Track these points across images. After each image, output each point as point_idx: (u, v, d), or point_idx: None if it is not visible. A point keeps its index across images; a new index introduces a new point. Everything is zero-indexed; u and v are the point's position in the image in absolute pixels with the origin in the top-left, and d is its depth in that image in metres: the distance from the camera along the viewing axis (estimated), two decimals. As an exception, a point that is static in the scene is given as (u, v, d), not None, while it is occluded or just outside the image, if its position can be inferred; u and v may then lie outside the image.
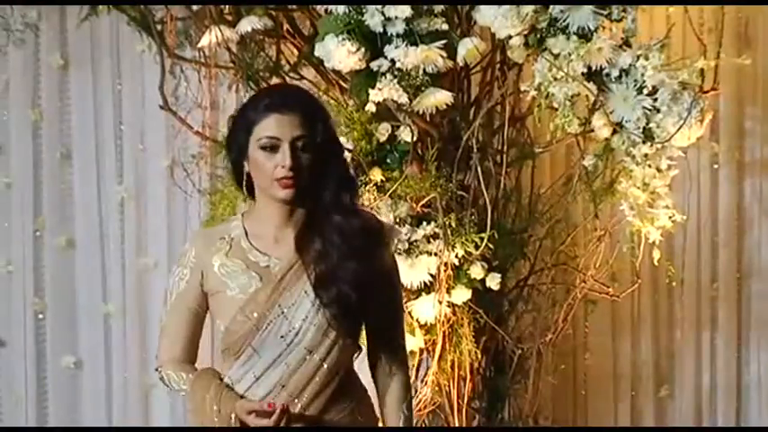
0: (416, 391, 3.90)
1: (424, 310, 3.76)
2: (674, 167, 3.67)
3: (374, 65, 3.50)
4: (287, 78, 4.04)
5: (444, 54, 3.52)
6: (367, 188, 3.70)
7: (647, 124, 3.55)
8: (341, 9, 3.47)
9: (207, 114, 4.46)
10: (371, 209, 3.66)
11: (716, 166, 5.07)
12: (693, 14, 4.36)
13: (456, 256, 3.73)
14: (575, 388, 5.00)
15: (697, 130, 3.61)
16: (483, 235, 3.72)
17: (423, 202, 3.75)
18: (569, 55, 3.47)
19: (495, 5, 3.46)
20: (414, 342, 3.79)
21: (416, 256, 3.71)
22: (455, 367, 3.86)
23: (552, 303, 4.15)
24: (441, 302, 3.74)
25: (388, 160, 3.80)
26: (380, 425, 2.90)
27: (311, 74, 4.06)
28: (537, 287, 4.15)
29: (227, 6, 3.89)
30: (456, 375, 3.87)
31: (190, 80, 4.46)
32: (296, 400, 2.69)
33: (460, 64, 3.67)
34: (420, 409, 3.89)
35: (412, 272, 3.70)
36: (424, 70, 3.50)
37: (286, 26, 3.96)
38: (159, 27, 4.11)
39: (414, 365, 3.90)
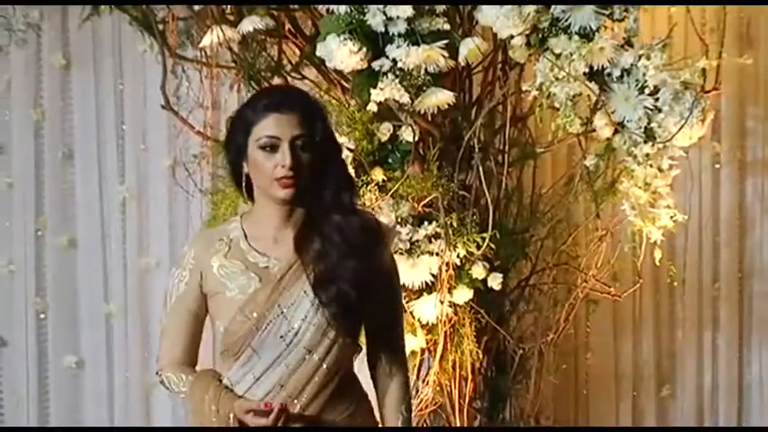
0: (418, 391, 3.90)
1: (425, 309, 3.76)
2: (675, 167, 3.66)
3: (376, 65, 3.50)
4: (288, 78, 4.05)
5: (446, 54, 3.52)
6: (368, 188, 3.70)
7: (649, 124, 3.55)
8: (342, 9, 3.47)
9: (208, 114, 4.45)
10: (373, 209, 3.67)
11: (717, 166, 5.07)
12: (695, 14, 4.37)
13: (457, 256, 3.73)
14: (576, 388, 5.00)
15: (698, 129, 3.61)
16: (484, 235, 3.72)
17: (424, 201, 3.75)
18: (571, 55, 3.47)
19: (497, 5, 3.46)
20: (415, 342, 3.79)
21: (418, 256, 3.71)
22: (456, 367, 3.86)
23: (554, 303, 4.15)
24: (442, 302, 3.74)
25: (390, 160, 3.81)
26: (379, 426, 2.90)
27: (313, 74, 4.06)
28: (538, 287, 4.15)
29: (228, 6, 3.89)
30: (457, 375, 3.87)
31: (191, 80, 4.46)
32: (295, 401, 2.69)
33: (462, 64, 3.67)
34: (421, 409, 3.90)
35: (413, 272, 3.71)
36: (426, 70, 3.50)
37: (288, 26, 3.96)
38: (161, 27, 4.11)
39: (415, 365, 3.90)
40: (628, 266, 4.35)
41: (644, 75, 3.53)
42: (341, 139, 3.65)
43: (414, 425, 3.83)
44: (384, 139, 3.76)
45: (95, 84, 4.90)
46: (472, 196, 3.83)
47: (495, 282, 3.81)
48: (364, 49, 3.46)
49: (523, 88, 3.70)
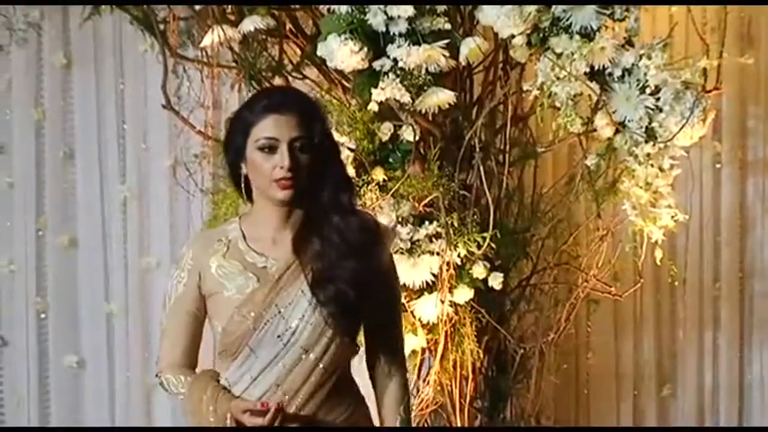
0: (419, 391, 3.90)
1: (426, 309, 3.76)
2: (676, 167, 3.67)
3: (377, 64, 3.50)
4: (289, 78, 4.05)
5: (447, 53, 3.52)
6: (369, 187, 3.70)
7: (650, 124, 3.55)
8: (343, 8, 3.47)
9: (209, 114, 4.45)
10: (373, 208, 3.67)
11: (718, 166, 5.07)
12: (696, 14, 4.36)
13: (458, 256, 3.73)
14: (577, 387, 5.00)
15: (699, 129, 3.61)
16: (485, 234, 3.72)
17: (425, 201, 3.75)
18: (572, 54, 3.47)
19: (498, 5, 3.46)
20: (416, 341, 3.79)
21: (419, 256, 3.71)
22: (457, 367, 3.86)
23: (554, 303, 4.15)
24: (443, 302, 3.74)
25: (391, 160, 3.81)
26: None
27: (314, 73, 4.06)
28: (539, 287, 4.15)
29: (229, 6, 3.89)
30: (458, 375, 3.87)
31: (192, 80, 4.46)
32: (291, 400, 2.69)
33: (463, 63, 3.67)
34: (422, 409, 3.90)
35: (414, 271, 3.71)
36: (427, 70, 3.50)
37: (289, 26, 3.96)
38: (162, 26, 4.11)
39: (416, 365, 3.90)
40: (629, 266, 4.36)
41: (645, 74, 3.53)
42: (342, 139, 3.66)
43: (414, 424, 3.85)
44: (385, 138, 3.76)
45: (96, 83, 4.91)
46: (473, 196, 3.83)
47: (496, 281, 3.81)
48: (365, 49, 3.46)
49: (524, 88, 3.70)
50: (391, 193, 3.70)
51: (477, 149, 3.78)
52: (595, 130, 3.63)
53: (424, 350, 3.88)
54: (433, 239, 3.72)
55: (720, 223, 5.10)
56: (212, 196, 4.18)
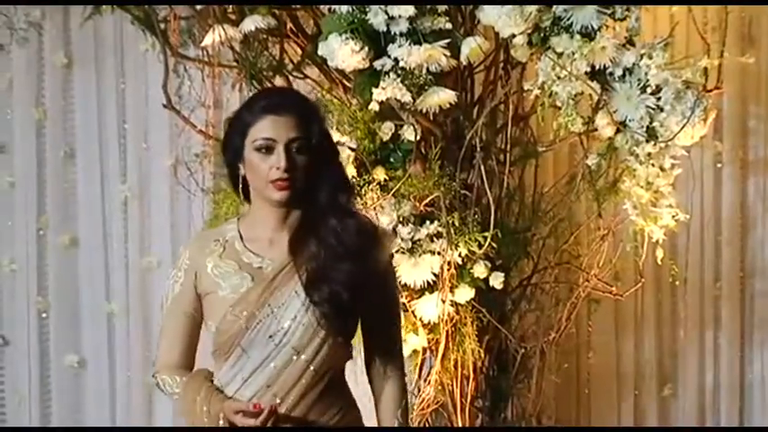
0: (420, 390, 3.90)
1: (427, 309, 3.76)
2: (677, 166, 3.67)
3: (377, 64, 3.50)
4: (290, 77, 4.05)
5: (448, 53, 3.52)
6: (370, 187, 3.70)
7: (651, 123, 3.55)
8: (344, 8, 3.47)
9: (210, 113, 4.46)
10: (374, 208, 3.67)
11: (719, 165, 5.06)
12: (697, 13, 4.36)
13: (459, 255, 3.73)
14: (578, 387, 5.00)
15: (700, 128, 3.61)
16: (486, 234, 3.72)
17: (426, 201, 3.75)
18: (573, 54, 3.47)
19: (499, 4, 3.46)
20: (417, 341, 3.80)
21: (420, 255, 3.71)
22: (458, 366, 3.86)
23: (555, 302, 4.15)
24: (444, 301, 3.74)
25: (392, 159, 3.81)
26: None
27: (315, 73, 4.06)
28: (540, 286, 4.15)
29: (230, 5, 3.89)
30: (459, 374, 3.87)
31: (193, 79, 4.46)
32: (282, 402, 2.68)
33: (464, 63, 3.66)
34: (423, 408, 3.90)
35: (415, 271, 3.71)
36: (428, 69, 3.50)
37: (289, 25, 3.96)
38: (163, 26, 4.11)
39: (417, 364, 3.91)
40: (629, 266, 4.36)
41: (646, 74, 3.53)
42: (343, 139, 3.66)
43: (416, 424, 3.85)
44: (386, 138, 3.76)
45: (97, 83, 4.91)
46: (474, 195, 3.83)
47: (497, 281, 3.81)
48: (366, 49, 3.46)
49: (525, 87, 3.70)
50: (392, 192, 3.70)
51: (478, 149, 3.78)
52: (596, 129, 3.63)
53: (425, 350, 3.88)
54: (434, 239, 3.72)
55: (721, 223, 5.10)
56: (213, 196, 4.18)
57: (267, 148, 2.68)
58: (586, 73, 3.51)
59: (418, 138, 3.71)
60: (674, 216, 3.70)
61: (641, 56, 3.53)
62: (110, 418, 5.00)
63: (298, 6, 3.92)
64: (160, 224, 4.94)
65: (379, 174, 3.74)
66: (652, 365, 5.08)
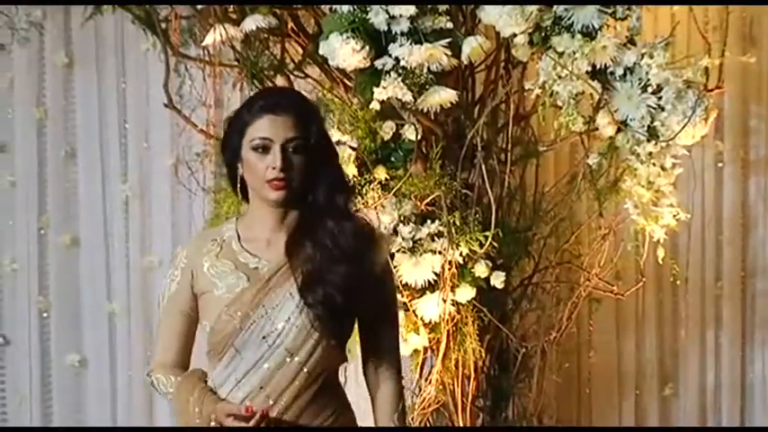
0: (421, 390, 3.90)
1: (428, 308, 3.76)
2: (678, 166, 3.66)
3: (378, 63, 3.50)
4: (291, 77, 4.05)
5: (449, 52, 3.52)
6: (371, 186, 3.70)
7: (652, 123, 3.55)
8: (345, 7, 3.47)
9: (211, 113, 4.46)
10: (375, 207, 3.67)
11: (720, 165, 5.06)
12: (698, 13, 4.37)
13: (460, 255, 3.73)
14: (579, 386, 5.00)
15: (701, 128, 3.60)
16: (487, 233, 3.72)
17: (427, 200, 3.75)
18: (574, 53, 3.47)
19: (500, 4, 3.46)
20: (418, 340, 3.79)
21: (421, 255, 3.71)
22: (459, 366, 3.86)
23: (556, 302, 4.15)
24: (445, 301, 3.74)
25: (393, 158, 3.81)
26: None
27: (316, 72, 4.06)
28: (541, 285, 4.14)
29: (231, 5, 3.89)
30: (460, 374, 3.87)
31: (194, 78, 4.46)
32: (274, 404, 2.69)
33: (465, 62, 3.66)
34: (424, 408, 3.90)
35: (416, 270, 3.71)
36: (429, 68, 3.50)
37: (290, 24, 3.96)
38: (164, 25, 4.11)
39: (418, 364, 3.91)
40: (631, 265, 4.36)
41: (647, 73, 3.53)
42: (343, 138, 3.66)
43: (416, 424, 3.85)
44: (387, 137, 3.76)
45: (98, 82, 4.91)
46: (475, 195, 3.83)
47: (498, 280, 3.81)
48: (367, 48, 3.46)
49: (526, 87, 3.70)
50: (393, 191, 3.70)
51: (479, 148, 3.78)
52: (597, 128, 3.63)
53: (426, 349, 3.88)
54: (435, 238, 3.72)
55: (722, 222, 5.10)
56: (214, 195, 4.18)
57: (264, 148, 2.68)
58: (587, 72, 3.51)
59: (419, 137, 3.71)
60: (675, 215, 3.70)
61: (642, 55, 3.53)
62: (111, 418, 5.00)
63: (299, 6, 3.92)
64: (161, 224, 4.94)
65: (380, 173, 3.74)
66: (653, 365, 5.08)
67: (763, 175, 5.07)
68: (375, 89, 3.52)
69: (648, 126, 3.55)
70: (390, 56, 3.49)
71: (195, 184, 4.62)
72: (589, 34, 3.47)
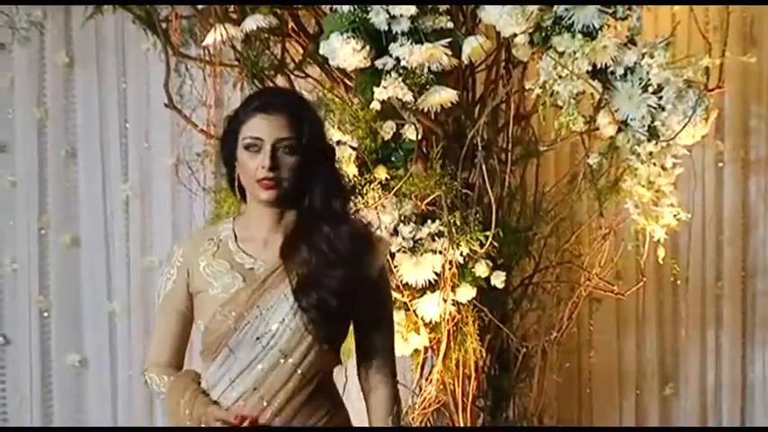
0: (421, 390, 3.90)
1: (428, 308, 3.76)
2: (678, 166, 3.67)
3: (379, 63, 3.50)
4: (292, 76, 4.05)
5: (449, 52, 3.52)
6: (372, 186, 3.70)
7: (652, 122, 3.55)
8: (346, 7, 3.47)
9: (212, 112, 4.46)
10: (376, 207, 3.67)
11: (721, 165, 5.06)
12: (699, 13, 4.37)
13: (461, 255, 3.73)
14: (579, 386, 5.00)
15: (702, 128, 3.61)
16: (488, 233, 3.72)
17: (427, 200, 3.75)
18: (574, 53, 3.47)
19: (501, 4, 3.46)
20: (419, 340, 3.79)
21: (421, 255, 3.71)
22: (460, 366, 3.86)
23: (557, 301, 4.15)
24: (445, 301, 3.74)
25: (393, 158, 3.81)
26: None
27: (316, 72, 4.06)
28: (542, 285, 4.15)
29: (231, 5, 3.89)
30: (461, 374, 3.87)
31: (195, 78, 4.46)
32: (268, 405, 2.68)
33: (465, 62, 3.66)
34: (425, 408, 3.90)
35: (417, 270, 3.71)
36: (429, 68, 3.50)
37: (291, 24, 3.96)
38: (164, 25, 4.11)
39: (419, 363, 3.91)
40: (631, 265, 4.36)
41: (647, 73, 3.53)
42: (344, 138, 3.66)
43: (417, 423, 3.85)
44: (387, 137, 3.76)
45: (98, 82, 4.91)
46: (475, 194, 3.83)
47: (499, 280, 3.81)
48: (367, 48, 3.46)
49: (526, 86, 3.70)
50: (394, 191, 3.70)
51: (480, 148, 3.78)
52: (598, 128, 3.63)
53: (426, 349, 3.88)
54: (436, 238, 3.72)
55: (723, 222, 5.10)
56: (214, 195, 4.18)
57: (255, 147, 2.68)
58: (588, 72, 3.51)
59: (419, 137, 3.71)
60: (675, 215, 3.70)
61: (643, 55, 3.53)
62: (111, 418, 5.00)
63: (299, 5, 3.92)
64: (161, 223, 4.94)
65: (381, 173, 3.74)
66: (653, 365, 5.08)
67: (764, 174, 5.07)
68: (375, 89, 3.52)
69: (649, 126, 3.55)
70: (391, 56, 3.49)
71: (196, 184, 4.63)
72: (590, 34, 3.47)
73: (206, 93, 4.44)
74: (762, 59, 4.88)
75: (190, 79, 4.47)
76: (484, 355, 3.90)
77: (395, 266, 3.70)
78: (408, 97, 3.51)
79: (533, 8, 3.44)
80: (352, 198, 3.52)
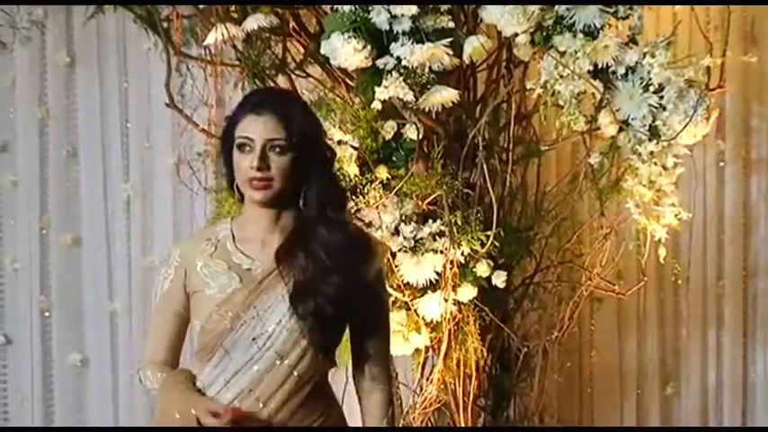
0: (422, 389, 3.90)
1: (429, 307, 3.76)
2: (680, 165, 3.67)
3: (380, 62, 3.50)
4: (293, 76, 4.05)
5: (450, 52, 3.52)
6: (373, 186, 3.70)
7: (654, 122, 3.55)
8: (347, 7, 3.47)
9: (213, 112, 4.46)
10: (377, 206, 3.67)
11: (722, 164, 5.07)
12: (700, 12, 4.37)
13: (462, 254, 3.73)
14: (580, 386, 5.00)
15: (703, 127, 3.61)
16: (489, 233, 3.72)
17: (429, 199, 3.75)
18: (575, 53, 3.47)
19: (502, 3, 3.46)
20: (420, 340, 3.79)
21: (422, 254, 3.71)
22: (461, 365, 3.86)
23: (558, 301, 4.15)
24: (447, 300, 3.74)
25: (394, 158, 3.80)
26: None
27: (317, 71, 4.06)
28: (543, 285, 4.15)
29: (233, 4, 3.88)
30: (462, 373, 3.87)
31: (196, 78, 4.45)
32: (263, 406, 2.68)
33: (466, 62, 3.66)
34: (425, 407, 3.90)
35: (418, 269, 3.71)
36: (430, 68, 3.50)
37: (292, 24, 3.96)
38: (165, 25, 4.11)
39: (419, 363, 3.91)
40: (632, 264, 4.37)
41: (648, 73, 3.53)
42: (345, 137, 3.66)
43: (418, 423, 3.85)
44: (388, 137, 3.76)
45: (100, 82, 4.91)
46: (476, 194, 3.82)
47: (500, 280, 3.81)
48: (368, 47, 3.46)
49: (528, 86, 3.69)
50: (395, 191, 3.70)
51: (481, 148, 3.78)
52: (599, 128, 3.63)
53: (427, 348, 3.88)
54: (437, 238, 3.72)
55: (724, 221, 5.11)
56: (216, 194, 4.17)
57: (247, 147, 2.68)
58: (589, 72, 3.51)
59: (421, 136, 3.71)
60: (676, 215, 3.70)
61: (644, 54, 3.53)
62: (113, 418, 5.00)
63: (300, 5, 3.92)
64: (163, 223, 4.94)
65: (382, 172, 3.74)
66: (655, 364, 5.09)
67: (765, 174, 5.08)
68: (377, 88, 3.52)
69: (650, 125, 3.55)
70: (392, 55, 3.49)
71: (197, 184, 4.63)
72: (591, 34, 3.47)
73: (207, 92, 4.43)
74: (763, 59, 4.88)
75: (191, 79, 4.46)
76: (485, 354, 3.90)
77: (396, 266, 3.70)
78: (409, 97, 3.51)
79: (534, 8, 3.44)
80: (350, 200, 3.52)
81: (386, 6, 3.43)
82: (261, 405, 2.67)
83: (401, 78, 3.48)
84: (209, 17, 3.95)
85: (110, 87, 4.91)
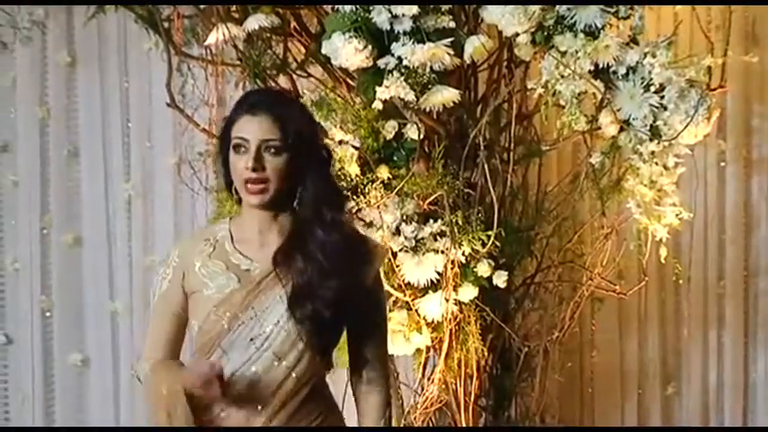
0: (423, 389, 3.90)
1: (431, 307, 3.76)
2: (681, 165, 3.67)
3: (381, 62, 3.50)
4: (294, 76, 4.05)
5: (451, 52, 3.52)
6: (374, 185, 3.70)
7: (654, 122, 3.55)
8: (348, 7, 3.47)
9: (214, 112, 4.46)
10: (378, 206, 3.67)
11: (723, 164, 5.07)
12: (701, 12, 4.37)
13: (463, 254, 3.73)
14: (581, 386, 5.00)
15: (704, 127, 3.61)
16: (490, 233, 3.72)
17: (430, 199, 3.75)
18: (576, 52, 3.47)
19: (503, 3, 3.46)
20: (421, 340, 3.79)
21: (423, 254, 3.71)
22: (462, 365, 3.86)
23: (559, 301, 4.15)
24: (447, 300, 3.74)
25: (395, 158, 3.80)
26: None
27: (318, 71, 4.06)
28: (544, 285, 4.15)
29: (234, 4, 3.89)
30: (463, 373, 3.87)
31: (197, 78, 4.45)
32: (262, 409, 2.68)
33: (467, 62, 3.66)
34: (427, 407, 3.90)
35: (419, 269, 3.71)
36: (431, 68, 3.50)
37: (293, 24, 3.96)
38: (166, 25, 4.11)
39: (420, 363, 3.91)
40: (633, 264, 4.36)
41: (649, 72, 3.53)
42: (346, 137, 3.66)
43: (419, 423, 3.85)
44: (389, 136, 3.76)
45: (101, 81, 4.91)
46: (477, 194, 3.83)
47: (501, 280, 3.81)
48: (369, 47, 3.46)
49: (529, 86, 3.70)
50: (396, 191, 3.70)
51: (482, 148, 3.78)
52: (600, 128, 3.63)
53: (428, 348, 3.88)
54: (438, 238, 3.72)
55: (725, 221, 5.11)
56: (217, 194, 4.17)
57: (242, 148, 2.67)
58: (590, 71, 3.51)
59: (422, 136, 3.71)
60: (677, 214, 3.70)
61: (645, 54, 3.53)
62: (113, 417, 5.00)
63: (301, 5, 3.92)
64: (164, 223, 4.94)
65: (383, 172, 3.74)
66: (656, 364, 5.09)
67: (766, 174, 5.08)
68: (378, 88, 3.52)
69: (651, 125, 3.55)
70: (393, 55, 3.49)
71: (198, 184, 4.63)
72: (592, 33, 3.47)
73: (208, 92, 4.43)
74: (764, 59, 4.88)
75: (192, 79, 4.46)
76: (486, 354, 3.90)
77: (397, 266, 3.70)
78: (410, 97, 3.51)
79: (535, 8, 3.44)
80: (349, 201, 3.51)
81: (387, 6, 3.43)
82: (259, 407, 2.67)
83: (402, 78, 3.48)
84: (210, 17, 3.96)
85: (111, 87, 4.90)
